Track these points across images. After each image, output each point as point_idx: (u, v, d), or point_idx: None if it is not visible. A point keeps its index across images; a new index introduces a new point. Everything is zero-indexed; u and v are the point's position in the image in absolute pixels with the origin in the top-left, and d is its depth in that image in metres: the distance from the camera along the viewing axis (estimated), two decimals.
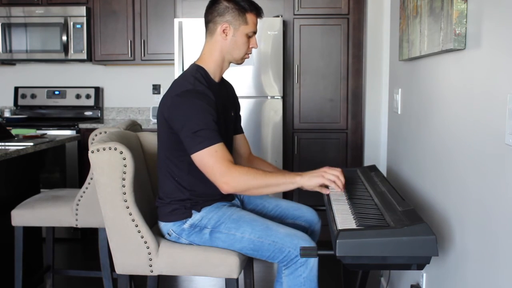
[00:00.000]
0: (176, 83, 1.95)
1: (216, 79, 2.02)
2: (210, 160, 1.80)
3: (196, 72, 1.95)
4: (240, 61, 2.04)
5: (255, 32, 2.01)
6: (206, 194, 1.96)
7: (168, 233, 1.97)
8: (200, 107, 1.83)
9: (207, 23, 2.00)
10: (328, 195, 1.89)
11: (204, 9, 2.03)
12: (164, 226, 1.98)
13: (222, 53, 1.99)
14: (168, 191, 1.97)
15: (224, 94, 2.08)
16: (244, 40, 1.98)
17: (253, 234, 1.86)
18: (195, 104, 1.84)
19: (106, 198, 1.88)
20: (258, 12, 2.00)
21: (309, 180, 1.83)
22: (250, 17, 1.97)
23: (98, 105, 4.54)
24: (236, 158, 2.22)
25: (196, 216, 1.94)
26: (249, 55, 2.05)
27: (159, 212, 2.01)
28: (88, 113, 4.55)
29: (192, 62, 2.04)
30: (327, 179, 1.84)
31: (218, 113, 1.90)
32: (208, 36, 2.01)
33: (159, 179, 2.01)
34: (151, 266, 1.92)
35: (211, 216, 1.92)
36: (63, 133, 3.98)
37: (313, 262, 1.83)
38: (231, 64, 2.06)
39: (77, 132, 4.02)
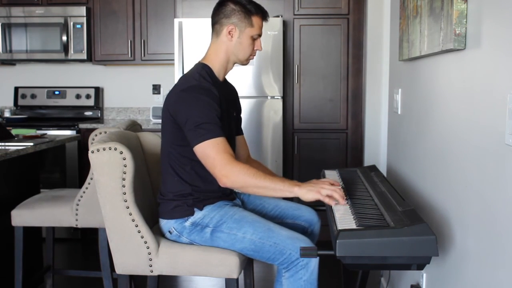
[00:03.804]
0: (182, 79, 1.99)
1: (220, 78, 2.06)
2: (212, 151, 1.82)
3: (201, 70, 1.99)
4: (245, 62, 2.08)
5: (260, 35, 2.04)
6: (208, 190, 1.97)
7: (169, 231, 1.97)
8: (204, 102, 1.87)
9: (213, 24, 2.04)
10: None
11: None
12: (166, 224, 1.98)
13: (227, 53, 2.02)
14: (170, 187, 1.98)
15: (228, 93, 2.12)
16: (249, 42, 2.02)
17: (254, 235, 1.86)
18: (200, 99, 1.87)
19: (106, 198, 1.88)
20: (263, 15, 2.05)
21: (306, 193, 1.80)
22: (255, 20, 2.01)
23: (98, 105, 4.54)
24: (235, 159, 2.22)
25: (198, 215, 1.94)
26: (254, 56, 2.08)
27: (160, 209, 2.01)
28: (88, 113, 4.55)
29: (197, 61, 2.07)
30: (324, 195, 1.79)
31: (222, 110, 1.93)
32: (214, 37, 2.05)
33: (162, 176, 2.03)
34: (151, 266, 1.92)
35: (213, 215, 1.93)
36: (63, 133, 3.98)
37: (314, 265, 1.83)
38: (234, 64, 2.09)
39: (77, 132, 4.02)
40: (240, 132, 2.27)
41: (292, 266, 1.84)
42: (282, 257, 1.84)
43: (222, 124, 1.89)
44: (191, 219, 1.94)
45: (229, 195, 2.04)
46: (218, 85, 2.01)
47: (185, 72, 2.06)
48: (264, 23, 2.07)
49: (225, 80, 2.13)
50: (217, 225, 1.91)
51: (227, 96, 2.09)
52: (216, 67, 2.03)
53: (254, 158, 2.39)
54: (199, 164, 1.89)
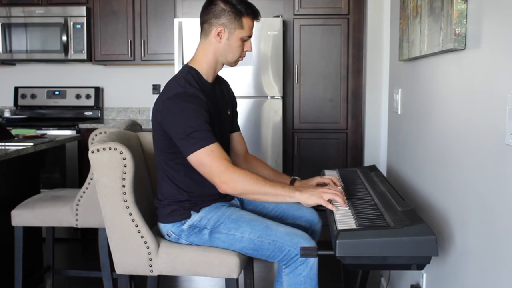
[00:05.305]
0: (167, 86, 1.93)
1: (209, 80, 2.00)
2: (207, 159, 1.79)
3: (187, 74, 1.93)
4: (233, 64, 2.02)
5: (250, 36, 1.98)
6: (204, 194, 1.96)
7: (167, 234, 1.97)
8: (191, 110, 1.82)
9: (202, 23, 1.98)
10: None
11: None
12: (164, 228, 1.98)
13: (215, 55, 1.97)
14: (166, 193, 1.97)
15: (218, 93, 2.07)
16: (239, 43, 1.96)
17: (252, 233, 1.86)
18: (186, 107, 1.82)
19: (106, 198, 1.88)
20: (255, 15, 1.97)
21: (308, 199, 1.80)
22: (246, 21, 1.94)
23: (98, 105, 4.54)
24: (233, 156, 2.21)
25: (195, 217, 1.94)
26: (243, 57, 2.03)
27: (158, 214, 2.01)
28: (88, 113, 4.55)
29: (185, 63, 2.02)
30: (326, 199, 1.79)
31: (211, 114, 1.89)
32: (202, 37, 1.99)
33: (158, 181, 2.02)
34: (151, 266, 1.92)
35: (210, 216, 1.92)
36: (63, 133, 3.98)
37: (313, 260, 1.83)
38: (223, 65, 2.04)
39: (77, 132, 4.02)
40: (236, 128, 2.22)
41: (292, 262, 1.84)
42: (282, 254, 1.84)
43: (213, 128, 1.85)
44: (189, 222, 1.94)
45: (226, 197, 2.03)
46: (206, 88, 1.95)
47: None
48: (256, 22, 2.00)
49: (216, 78, 2.06)
50: (215, 226, 1.91)
51: (219, 96, 2.05)
52: (204, 69, 1.97)
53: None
54: (192, 169, 1.86)
